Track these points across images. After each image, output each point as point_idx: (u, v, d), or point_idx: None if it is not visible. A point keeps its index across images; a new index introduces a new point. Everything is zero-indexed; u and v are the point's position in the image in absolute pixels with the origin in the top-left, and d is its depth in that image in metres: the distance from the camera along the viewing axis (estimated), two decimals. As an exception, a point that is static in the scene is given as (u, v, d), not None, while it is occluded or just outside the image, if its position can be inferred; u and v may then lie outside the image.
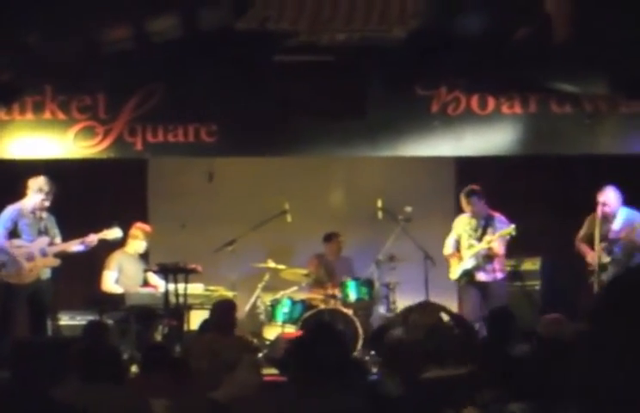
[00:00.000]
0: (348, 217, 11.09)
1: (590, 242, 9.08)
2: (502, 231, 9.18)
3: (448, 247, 9.61)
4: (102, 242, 9.12)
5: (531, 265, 9.42)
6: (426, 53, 9.31)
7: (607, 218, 8.96)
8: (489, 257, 9.28)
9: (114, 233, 9.03)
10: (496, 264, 9.28)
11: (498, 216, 9.37)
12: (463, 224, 9.50)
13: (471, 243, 9.37)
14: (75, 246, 8.93)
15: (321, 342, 4.01)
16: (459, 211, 9.61)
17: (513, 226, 9.09)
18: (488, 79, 9.64)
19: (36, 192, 8.78)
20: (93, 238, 8.90)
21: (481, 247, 9.25)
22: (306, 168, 11.08)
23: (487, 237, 9.22)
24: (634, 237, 8.92)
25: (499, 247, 9.26)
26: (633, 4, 7.80)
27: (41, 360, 5.46)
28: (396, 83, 9.64)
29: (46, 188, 8.78)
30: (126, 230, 9.62)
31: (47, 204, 8.82)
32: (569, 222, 9.34)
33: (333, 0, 8.81)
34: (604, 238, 8.94)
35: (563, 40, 8.21)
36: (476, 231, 9.38)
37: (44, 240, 8.82)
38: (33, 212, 8.83)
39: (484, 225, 9.34)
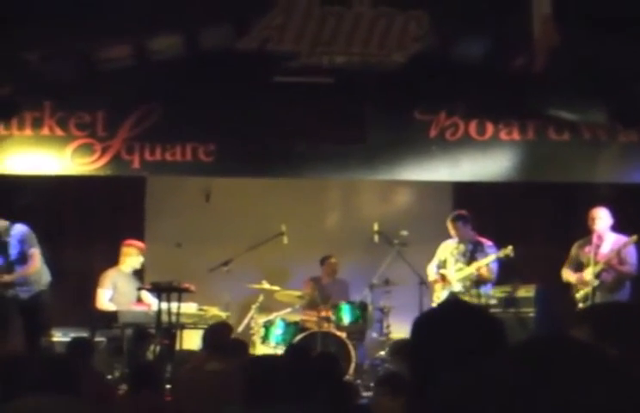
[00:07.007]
0: (344, 240, 11.08)
1: (576, 270, 9.03)
2: (498, 253, 9.12)
3: (432, 272, 9.56)
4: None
5: (525, 292, 9.36)
6: (425, 78, 9.33)
7: (596, 238, 8.83)
8: (477, 282, 9.23)
9: None
10: (481, 290, 9.20)
11: (486, 241, 9.32)
12: (449, 249, 9.45)
13: (460, 267, 9.33)
14: None
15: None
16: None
17: (510, 247, 9.02)
18: (486, 105, 9.65)
19: None
20: None
21: (470, 271, 9.20)
22: (303, 190, 11.10)
23: (477, 262, 9.17)
24: (623, 255, 8.75)
25: (489, 272, 9.20)
26: (630, 35, 7.81)
27: (29, 377, 5.45)
28: (395, 106, 9.65)
29: None
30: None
31: None
32: (565, 249, 9.27)
33: (334, 22, 8.82)
34: (591, 262, 8.82)
35: (543, 69, 8.25)
36: (464, 255, 9.33)
37: None
38: None
39: (472, 250, 9.28)
